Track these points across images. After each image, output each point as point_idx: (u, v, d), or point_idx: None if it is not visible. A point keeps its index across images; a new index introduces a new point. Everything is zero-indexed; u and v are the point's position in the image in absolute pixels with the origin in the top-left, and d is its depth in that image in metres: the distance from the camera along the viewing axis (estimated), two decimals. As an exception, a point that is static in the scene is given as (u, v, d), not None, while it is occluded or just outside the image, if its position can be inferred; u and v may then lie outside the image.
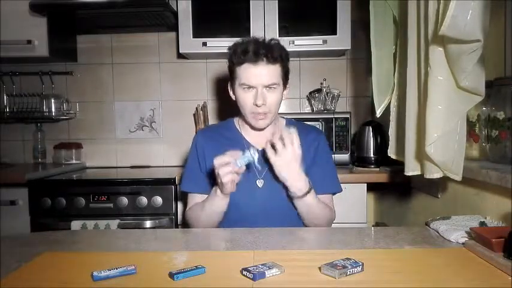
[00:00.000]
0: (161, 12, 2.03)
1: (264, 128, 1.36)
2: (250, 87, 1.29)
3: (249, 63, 1.27)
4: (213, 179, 1.29)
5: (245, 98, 1.30)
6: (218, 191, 1.23)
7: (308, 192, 1.25)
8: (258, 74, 1.27)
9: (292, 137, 1.21)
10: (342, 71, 2.39)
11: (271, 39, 1.32)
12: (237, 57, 1.29)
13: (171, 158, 2.43)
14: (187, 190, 1.41)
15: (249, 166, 1.22)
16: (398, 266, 0.86)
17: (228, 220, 1.30)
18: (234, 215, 1.29)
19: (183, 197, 1.49)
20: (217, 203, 1.27)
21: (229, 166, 1.15)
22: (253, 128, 1.37)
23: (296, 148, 1.21)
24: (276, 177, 1.26)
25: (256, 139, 1.38)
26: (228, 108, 2.35)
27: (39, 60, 2.28)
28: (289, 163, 1.21)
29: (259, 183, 1.32)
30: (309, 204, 1.27)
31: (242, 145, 1.37)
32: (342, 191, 1.42)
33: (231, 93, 1.39)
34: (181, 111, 2.42)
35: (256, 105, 1.28)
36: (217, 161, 1.17)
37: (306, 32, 2.06)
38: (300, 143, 1.37)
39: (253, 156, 1.17)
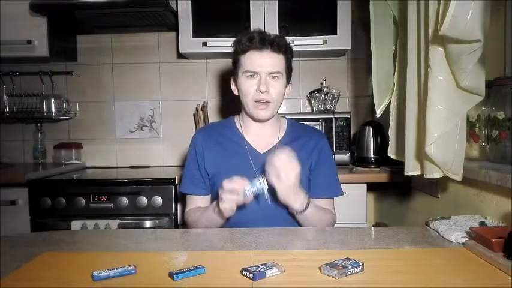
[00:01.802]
0: (161, 12, 2.03)
1: (266, 120, 1.35)
2: (254, 74, 1.28)
3: (254, 50, 1.27)
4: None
5: (248, 86, 1.29)
6: (217, 210, 1.22)
7: (307, 207, 1.24)
8: (262, 61, 1.27)
9: (293, 165, 1.16)
10: (342, 71, 2.39)
11: (276, 35, 1.32)
12: (242, 45, 1.28)
13: (171, 158, 2.43)
14: (186, 192, 1.41)
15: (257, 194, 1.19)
16: (398, 266, 0.86)
17: (228, 222, 1.29)
18: (235, 218, 1.28)
19: (183, 198, 1.49)
20: (216, 220, 1.27)
21: (234, 194, 1.14)
22: (254, 119, 1.35)
23: (296, 169, 1.17)
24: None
25: (256, 141, 1.38)
26: (228, 107, 2.36)
27: (39, 60, 2.28)
28: (291, 186, 1.18)
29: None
30: (309, 217, 1.27)
31: (243, 147, 1.37)
32: (343, 194, 1.42)
33: (233, 87, 1.38)
34: (181, 111, 2.42)
35: (260, 91, 1.27)
36: (226, 185, 1.15)
37: (306, 32, 2.06)
38: (302, 146, 1.36)
39: (263, 186, 1.16)
